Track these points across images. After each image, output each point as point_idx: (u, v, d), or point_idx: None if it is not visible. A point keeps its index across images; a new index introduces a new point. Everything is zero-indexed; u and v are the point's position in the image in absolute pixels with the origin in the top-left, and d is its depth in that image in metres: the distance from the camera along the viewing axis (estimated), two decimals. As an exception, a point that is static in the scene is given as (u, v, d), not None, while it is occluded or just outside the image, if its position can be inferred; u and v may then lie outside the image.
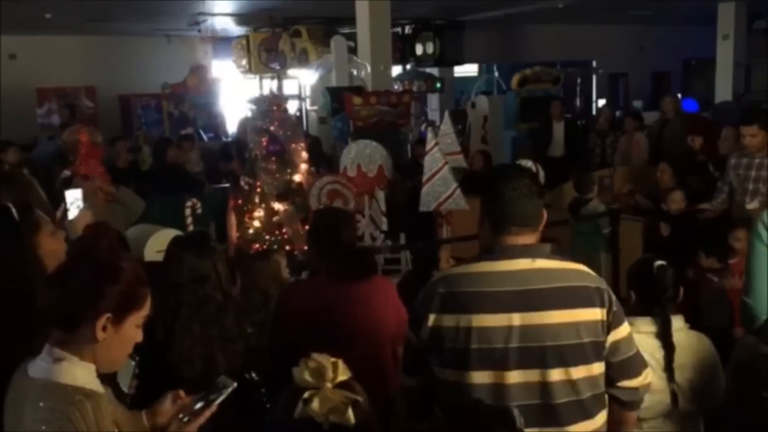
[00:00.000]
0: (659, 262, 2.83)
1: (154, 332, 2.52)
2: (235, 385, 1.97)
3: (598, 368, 2.12)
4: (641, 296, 2.80)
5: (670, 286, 2.79)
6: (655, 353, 2.69)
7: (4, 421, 1.82)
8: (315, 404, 1.58)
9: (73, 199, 3.49)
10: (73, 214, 3.43)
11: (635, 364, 2.21)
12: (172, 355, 2.54)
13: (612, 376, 2.17)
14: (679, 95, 11.87)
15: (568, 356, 2.07)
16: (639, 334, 2.64)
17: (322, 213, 3.71)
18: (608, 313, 2.12)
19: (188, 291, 2.61)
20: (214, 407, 1.94)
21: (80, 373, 1.74)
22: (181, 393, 2.00)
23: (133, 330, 1.82)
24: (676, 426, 2.74)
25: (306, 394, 1.59)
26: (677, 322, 2.76)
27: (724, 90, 12.79)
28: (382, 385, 2.88)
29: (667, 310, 2.75)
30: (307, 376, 1.61)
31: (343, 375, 1.63)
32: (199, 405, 1.93)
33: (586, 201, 6.25)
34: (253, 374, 2.58)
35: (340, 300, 2.94)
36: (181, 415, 1.91)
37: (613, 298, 2.15)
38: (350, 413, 1.58)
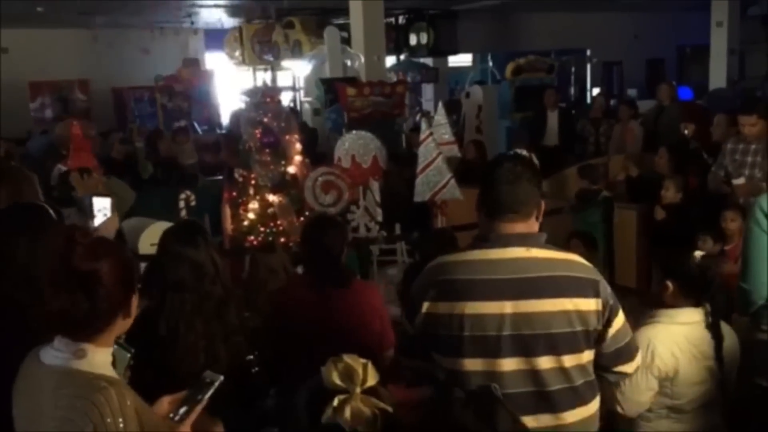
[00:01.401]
0: (700, 252, 2.82)
1: (156, 328, 2.54)
2: (222, 378, 1.97)
3: (587, 356, 2.15)
4: (685, 287, 2.71)
5: (716, 275, 2.79)
6: (701, 344, 2.68)
7: (14, 409, 1.83)
8: (347, 413, 1.54)
9: (101, 207, 3.49)
10: (99, 220, 3.44)
11: (631, 349, 2.25)
12: (176, 350, 2.55)
13: (610, 362, 2.21)
14: (674, 83, 11.85)
15: (559, 344, 2.08)
16: (683, 325, 2.67)
17: (310, 218, 3.78)
18: (604, 304, 2.13)
19: (190, 288, 2.60)
20: (204, 403, 1.94)
21: (100, 361, 1.78)
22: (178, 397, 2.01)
23: (135, 300, 1.90)
24: (716, 416, 2.73)
25: (336, 401, 1.55)
26: (696, 315, 2.71)
27: (718, 77, 12.78)
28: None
29: (715, 300, 2.73)
30: (336, 379, 1.58)
31: (372, 379, 1.60)
32: (184, 408, 1.92)
33: (595, 191, 6.27)
34: (251, 357, 2.60)
35: (320, 308, 2.98)
36: (171, 415, 1.91)
37: (608, 289, 2.17)
38: (379, 425, 1.55)
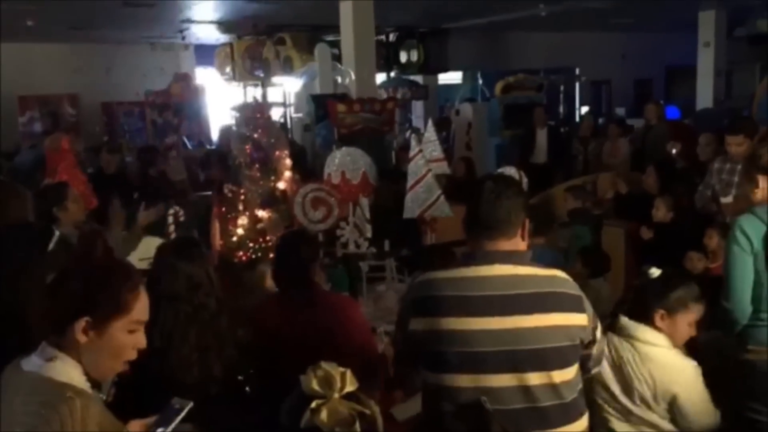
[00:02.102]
0: (656, 270, 2.81)
1: (150, 340, 2.53)
2: (191, 404, 1.95)
3: (574, 372, 2.17)
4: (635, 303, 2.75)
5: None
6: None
7: None
8: (323, 415, 1.57)
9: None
10: None
11: (602, 357, 2.39)
12: (170, 363, 2.54)
13: (587, 367, 2.30)
14: (662, 102, 11.98)
15: (548, 360, 2.10)
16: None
17: (282, 235, 3.76)
18: (589, 318, 2.18)
19: (184, 299, 2.60)
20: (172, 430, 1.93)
21: (71, 372, 1.77)
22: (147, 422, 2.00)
23: (123, 336, 1.80)
24: None
25: (314, 404, 1.58)
26: (660, 339, 2.69)
27: (705, 97, 12.93)
28: None
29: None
30: (315, 385, 1.61)
31: (351, 386, 1.63)
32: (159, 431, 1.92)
33: (586, 209, 6.30)
34: (241, 378, 2.59)
35: (288, 324, 2.96)
36: None
37: (590, 305, 2.22)
38: (357, 426, 1.58)
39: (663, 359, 2.65)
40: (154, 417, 1.95)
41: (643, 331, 2.69)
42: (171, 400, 1.98)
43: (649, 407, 2.64)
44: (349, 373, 1.63)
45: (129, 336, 1.82)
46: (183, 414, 1.93)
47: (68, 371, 1.77)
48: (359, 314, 3.17)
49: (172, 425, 1.92)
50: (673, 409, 2.64)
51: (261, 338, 2.98)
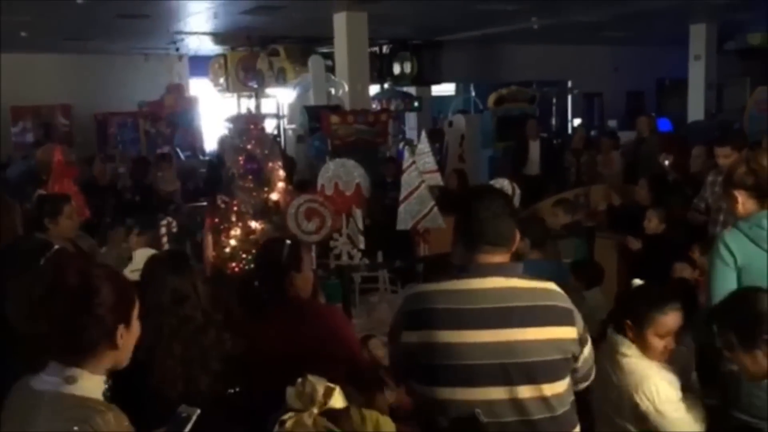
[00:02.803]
0: (638, 281, 2.84)
1: (134, 353, 2.51)
2: (199, 411, 1.93)
3: (565, 385, 2.17)
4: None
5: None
6: None
7: None
8: (287, 427, 1.56)
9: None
10: None
11: (592, 371, 2.35)
12: (154, 376, 2.52)
13: (574, 379, 2.27)
14: (654, 114, 12.07)
15: (539, 373, 2.10)
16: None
17: (262, 242, 3.65)
18: (579, 331, 2.18)
19: (169, 311, 2.58)
20: None
21: (95, 389, 1.75)
22: None
23: (137, 322, 1.85)
24: None
25: (286, 416, 1.57)
26: (631, 350, 2.70)
27: (696, 109, 13.02)
28: None
29: None
30: (294, 399, 1.59)
31: (337, 403, 1.61)
32: None
33: (578, 222, 6.32)
34: (231, 391, 2.58)
35: (256, 336, 2.85)
36: None
37: (581, 317, 2.22)
38: None
39: (628, 368, 2.68)
40: (163, 429, 1.91)
41: (619, 343, 2.72)
42: (177, 409, 1.94)
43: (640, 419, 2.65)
44: (337, 390, 1.61)
45: (137, 321, 1.86)
46: (192, 422, 1.90)
47: (92, 387, 1.74)
48: (343, 323, 3.07)
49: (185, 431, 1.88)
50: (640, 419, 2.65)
51: (249, 351, 2.94)
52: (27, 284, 1.78)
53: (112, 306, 1.74)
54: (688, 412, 2.64)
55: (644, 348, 2.70)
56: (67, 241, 4.37)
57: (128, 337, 1.80)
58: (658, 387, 2.63)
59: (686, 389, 2.74)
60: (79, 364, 1.73)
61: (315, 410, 1.59)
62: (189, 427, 1.90)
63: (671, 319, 2.68)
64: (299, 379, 1.62)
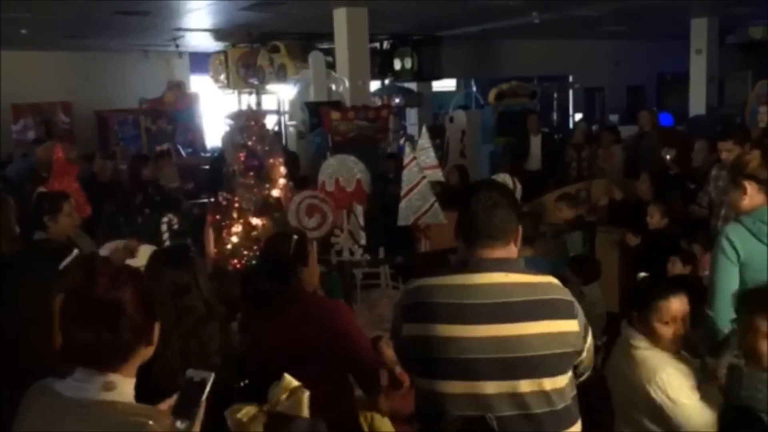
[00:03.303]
0: (644, 274, 2.86)
1: None
2: (213, 375, 1.83)
3: (566, 380, 2.16)
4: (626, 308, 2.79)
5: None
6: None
7: None
8: (233, 416, 1.57)
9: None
10: None
11: (591, 366, 2.34)
12: (152, 369, 2.52)
13: (581, 373, 2.28)
14: (655, 109, 12.04)
15: (539, 367, 2.10)
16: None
17: (267, 236, 3.63)
18: (581, 324, 2.18)
19: (168, 304, 2.58)
20: (203, 405, 1.81)
21: (130, 392, 1.73)
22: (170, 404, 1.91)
23: (158, 326, 1.84)
24: None
25: (241, 411, 1.60)
26: (641, 342, 2.73)
27: (697, 104, 12.99)
28: (344, 405, 2.88)
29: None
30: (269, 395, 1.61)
31: (302, 410, 1.63)
32: (185, 420, 1.76)
33: (582, 216, 6.33)
34: (236, 385, 2.57)
35: (261, 331, 2.87)
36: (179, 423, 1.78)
37: (581, 310, 2.21)
38: None
39: (639, 360, 2.70)
40: (175, 398, 1.82)
41: (630, 336, 2.75)
42: (186, 374, 1.85)
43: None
44: (305, 396, 1.62)
45: None
46: (208, 388, 1.80)
47: (129, 392, 1.73)
48: (349, 318, 3.04)
49: (201, 403, 1.78)
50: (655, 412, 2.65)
51: (252, 345, 2.93)
52: (59, 297, 1.76)
53: (144, 307, 1.74)
54: (701, 399, 2.64)
55: (654, 338, 2.72)
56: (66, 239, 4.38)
57: (153, 333, 1.81)
58: (670, 376, 2.64)
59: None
60: (117, 369, 1.71)
61: (266, 407, 1.60)
62: (206, 393, 1.80)
63: (674, 304, 2.70)
64: (276, 381, 1.64)
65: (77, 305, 1.69)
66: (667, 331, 2.71)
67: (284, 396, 1.61)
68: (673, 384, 2.63)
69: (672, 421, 2.63)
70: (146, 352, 1.79)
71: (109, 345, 1.67)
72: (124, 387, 1.71)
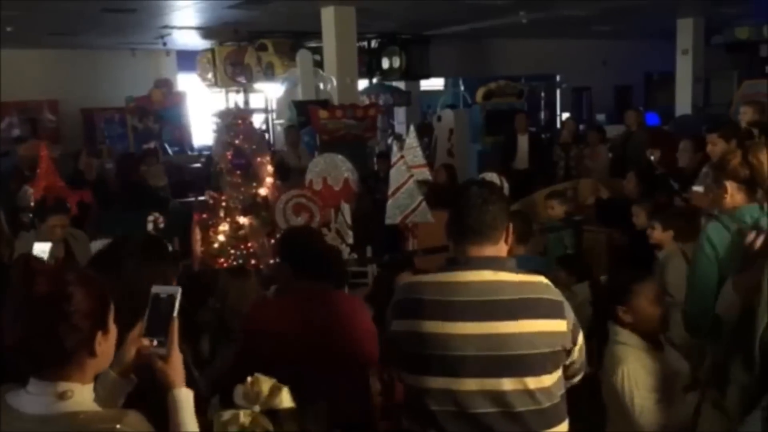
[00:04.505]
0: None
1: None
2: (179, 289, 1.77)
3: (552, 379, 2.16)
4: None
5: None
6: None
7: None
8: (220, 419, 1.55)
9: (40, 251, 3.47)
10: None
11: (584, 365, 2.34)
12: None
13: (572, 374, 2.29)
14: (641, 108, 12.11)
15: (523, 366, 2.10)
16: None
17: (294, 230, 3.65)
18: (570, 325, 2.17)
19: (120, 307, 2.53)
20: (176, 320, 1.76)
21: (89, 398, 1.64)
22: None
23: (114, 327, 1.70)
24: None
25: (226, 414, 1.56)
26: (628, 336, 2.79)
27: (684, 103, 13.07)
28: (362, 402, 2.93)
29: None
30: (240, 397, 1.58)
31: (285, 403, 1.59)
32: (159, 337, 1.70)
33: (572, 214, 6.35)
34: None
35: (310, 321, 2.90)
36: (147, 344, 1.74)
37: (572, 310, 2.21)
38: None
39: (612, 351, 2.78)
40: (144, 320, 1.75)
41: (616, 332, 2.82)
42: (152, 290, 1.78)
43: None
44: (285, 390, 1.60)
45: (114, 324, 1.72)
46: (177, 303, 1.74)
47: (88, 399, 1.64)
48: (362, 310, 3.12)
49: (173, 319, 1.73)
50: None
51: (262, 342, 2.89)
52: None
53: (88, 312, 1.61)
54: (658, 403, 2.67)
55: (645, 323, 2.79)
56: (59, 242, 4.36)
57: (106, 343, 1.67)
58: (633, 371, 2.69)
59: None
60: (66, 377, 1.62)
61: (257, 408, 1.57)
62: (176, 308, 1.74)
63: (652, 283, 2.86)
64: (249, 378, 1.60)
65: (18, 307, 1.58)
66: (656, 311, 2.80)
67: (265, 393, 1.59)
68: (632, 379, 2.69)
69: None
70: (96, 364, 1.66)
71: (47, 347, 1.57)
72: (81, 395, 1.62)
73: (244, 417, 1.57)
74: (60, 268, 1.71)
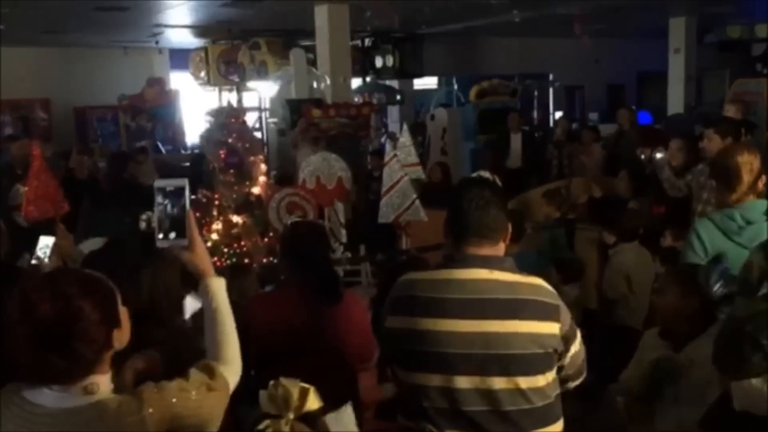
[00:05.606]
0: None
1: None
2: (186, 181, 1.70)
3: (546, 379, 2.16)
4: None
5: None
6: None
7: None
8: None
9: (44, 245, 3.43)
10: (36, 259, 3.40)
11: (583, 369, 2.33)
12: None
13: (565, 379, 2.28)
14: (634, 107, 12.14)
15: (514, 366, 2.11)
16: None
17: (299, 226, 3.62)
18: (563, 328, 2.16)
19: None
20: (191, 215, 1.70)
21: (109, 386, 1.66)
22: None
23: (124, 312, 1.71)
24: None
25: (262, 425, 1.52)
26: None
27: (676, 102, 13.11)
28: (349, 396, 2.90)
29: None
30: (269, 403, 1.54)
31: (313, 404, 1.54)
32: (173, 230, 1.64)
33: (565, 213, 6.36)
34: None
35: (311, 318, 2.91)
36: (161, 236, 1.67)
37: (568, 314, 2.21)
38: None
39: None
40: (154, 218, 1.68)
41: None
42: (155, 185, 1.69)
43: None
44: (312, 391, 1.56)
45: (124, 309, 1.73)
46: (187, 193, 1.67)
47: (108, 387, 1.65)
48: (365, 312, 3.18)
49: (186, 205, 1.68)
50: None
51: (265, 339, 2.87)
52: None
53: (100, 320, 1.61)
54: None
55: None
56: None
57: (120, 333, 1.68)
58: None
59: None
60: (90, 373, 1.62)
61: (291, 415, 1.53)
62: (187, 199, 1.68)
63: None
64: (271, 382, 1.57)
65: (21, 335, 1.55)
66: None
67: (296, 397, 1.54)
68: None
69: None
70: (115, 350, 1.68)
71: (69, 368, 1.57)
72: (105, 384, 1.65)
73: (285, 426, 1.52)
74: (57, 281, 1.63)
